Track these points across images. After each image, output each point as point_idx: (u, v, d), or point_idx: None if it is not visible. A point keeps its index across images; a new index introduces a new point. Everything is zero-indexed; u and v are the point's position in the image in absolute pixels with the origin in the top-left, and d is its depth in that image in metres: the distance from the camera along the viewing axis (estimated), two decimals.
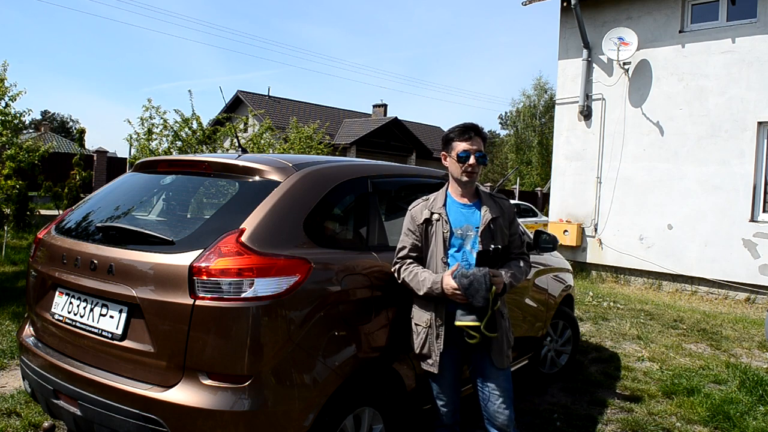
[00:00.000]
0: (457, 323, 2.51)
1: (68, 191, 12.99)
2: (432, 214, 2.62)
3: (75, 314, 2.50)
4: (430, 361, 2.61)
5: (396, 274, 2.66)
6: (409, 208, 2.72)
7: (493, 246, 2.53)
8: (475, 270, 2.44)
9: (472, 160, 2.57)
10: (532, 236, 3.92)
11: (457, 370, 2.68)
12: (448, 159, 2.67)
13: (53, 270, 2.66)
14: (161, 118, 9.99)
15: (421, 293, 2.55)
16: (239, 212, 2.38)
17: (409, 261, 2.64)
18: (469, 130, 2.61)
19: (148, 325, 2.25)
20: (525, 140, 40.43)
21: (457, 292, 2.43)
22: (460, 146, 2.59)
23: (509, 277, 2.55)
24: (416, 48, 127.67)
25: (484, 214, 2.60)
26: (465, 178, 2.61)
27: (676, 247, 9.21)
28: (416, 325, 2.65)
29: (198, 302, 2.15)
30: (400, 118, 30.64)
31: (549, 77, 42.00)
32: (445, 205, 2.65)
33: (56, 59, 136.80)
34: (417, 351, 2.65)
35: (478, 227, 2.60)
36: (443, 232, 2.58)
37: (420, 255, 2.65)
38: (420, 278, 2.54)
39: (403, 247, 2.66)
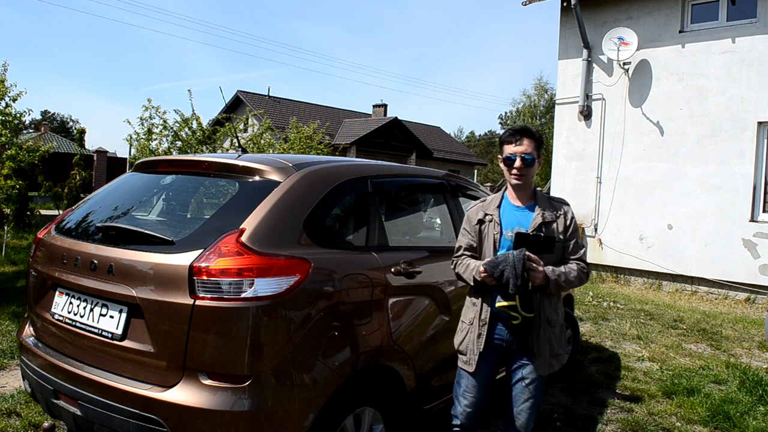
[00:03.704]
0: (497, 305, 2.53)
1: (68, 191, 12.98)
2: (485, 215, 2.66)
3: (75, 314, 2.50)
4: (465, 359, 2.62)
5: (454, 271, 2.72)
6: (467, 208, 2.79)
7: (534, 232, 2.51)
8: (505, 253, 2.46)
9: (518, 162, 2.58)
10: None
11: (491, 373, 2.66)
12: (501, 162, 2.70)
13: (53, 270, 2.66)
14: (161, 118, 10.01)
15: (471, 283, 2.59)
16: (239, 212, 2.38)
17: (464, 257, 2.68)
18: (516, 133, 2.63)
19: (148, 325, 2.25)
20: None
21: (484, 274, 2.45)
22: (507, 149, 2.62)
23: (555, 275, 2.49)
24: (416, 48, 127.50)
25: (536, 217, 2.60)
26: (514, 181, 2.63)
27: (676, 247, 9.21)
28: (462, 321, 2.69)
29: (198, 302, 2.15)
30: (400, 118, 30.60)
31: (549, 77, 41.96)
32: (500, 206, 2.68)
33: (56, 59, 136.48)
34: (456, 347, 2.68)
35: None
36: (494, 234, 2.61)
37: (475, 254, 2.69)
38: (470, 267, 2.59)
39: (460, 246, 2.72)
